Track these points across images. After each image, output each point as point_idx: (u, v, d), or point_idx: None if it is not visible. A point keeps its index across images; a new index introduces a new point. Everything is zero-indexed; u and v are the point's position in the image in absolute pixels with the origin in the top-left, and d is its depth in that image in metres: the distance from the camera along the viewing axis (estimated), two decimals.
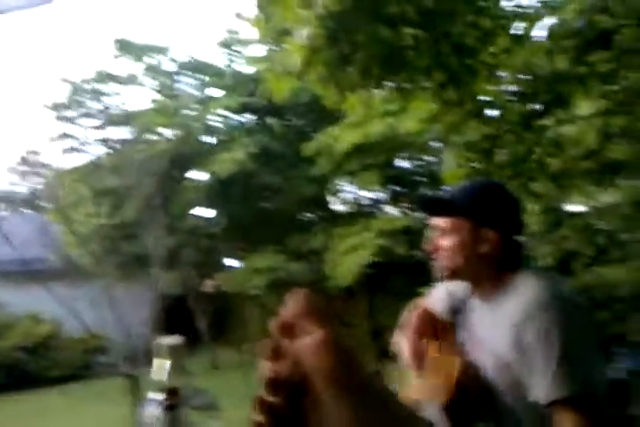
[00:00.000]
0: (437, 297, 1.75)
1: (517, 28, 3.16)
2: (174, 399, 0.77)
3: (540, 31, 3.17)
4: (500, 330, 1.44)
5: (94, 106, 14.18)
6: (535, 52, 3.14)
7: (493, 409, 1.50)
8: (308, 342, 0.40)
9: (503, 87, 3.58)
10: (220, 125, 14.21)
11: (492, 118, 3.57)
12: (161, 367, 0.88)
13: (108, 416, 8.95)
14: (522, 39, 3.14)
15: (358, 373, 0.40)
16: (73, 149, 14.25)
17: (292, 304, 0.42)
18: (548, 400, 1.33)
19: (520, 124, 3.50)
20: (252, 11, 4.25)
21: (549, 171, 3.81)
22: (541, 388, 1.34)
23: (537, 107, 3.50)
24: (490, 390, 1.48)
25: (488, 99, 3.61)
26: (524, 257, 1.61)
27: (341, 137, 10.91)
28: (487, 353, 1.48)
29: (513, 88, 3.60)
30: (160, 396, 0.78)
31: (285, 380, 0.40)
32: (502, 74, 3.53)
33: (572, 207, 6.42)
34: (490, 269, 1.53)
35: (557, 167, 3.81)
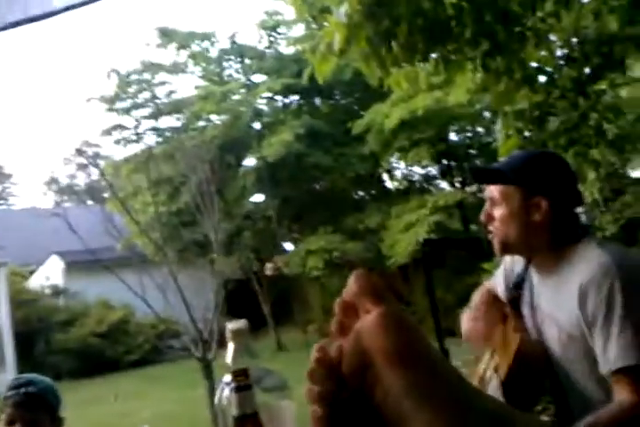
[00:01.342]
0: (498, 276, 1.74)
1: None
2: (244, 381, 0.81)
3: None
4: (564, 302, 1.42)
5: (143, 96, 14.49)
6: (583, 14, 3.03)
7: (555, 386, 1.49)
8: (367, 320, 0.41)
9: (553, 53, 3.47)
10: (266, 109, 14.29)
11: (542, 85, 3.48)
12: (231, 351, 0.93)
13: (182, 398, 9.30)
14: (570, 1, 3.03)
15: (418, 348, 0.40)
16: (125, 140, 14.66)
17: (351, 284, 0.43)
18: (608, 369, 1.31)
19: (573, 89, 3.40)
20: None
21: (607, 136, 3.69)
22: (602, 356, 1.33)
23: (588, 71, 3.38)
24: (552, 367, 1.47)
25: (538, 65, 3.51)
26: (584, 229, 1.56)
27: (389, 114, 10.80)
28: (554, 327, 1.46)
29: (563, 53, 3.49)
30: (230, 378, 0.82)
31: (328, 368, 0.42)
32: (553, 38, 3.43)
33: (634, 173, 6.19)
34: (545, 240, 1.48)
35: (615, 132, 3.68)
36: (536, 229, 1.48)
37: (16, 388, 1.69)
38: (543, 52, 3.48)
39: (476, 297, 1.79)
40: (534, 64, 3.58)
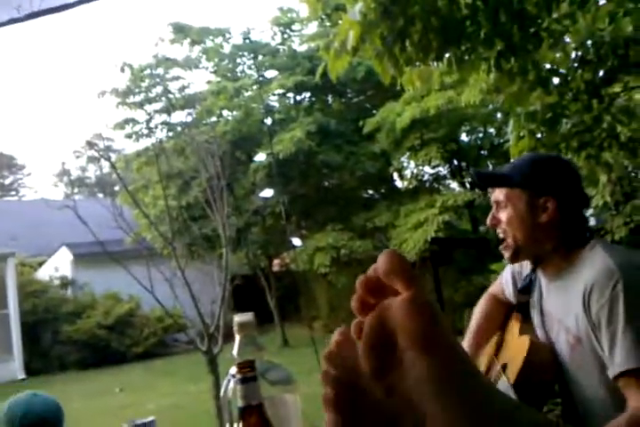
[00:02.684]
0: (505, 280, 1.75)
1: None
2: (250, 372, 0.81)
3: None
4: (570, 306, 1.42)
5: (155, 90, 14.51)
6: (598, 17, 3.02)
7: (564, 389, 1.50)
8: (397, 301, 0.40)
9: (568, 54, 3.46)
10: (278, 105, 14.30)
11: (556, 87, 3.47)
12: (237, 343, 0.94)
13: (187, 392, 9.36)
14: (585, 3, 3.02)
15: (446, 337, 0.40)
16: (137, 134, 14.69)
17: (382, 262, 0.41)
18: (615, 373, 1.31)
19: (586, 91, 3.39)
20: None
21: (620, 139, 3.67)
22: (609, 360, 1.32)
23: (603, 74, 3.36)
24: (561, 370, 1.47)
25: (552, 67, 3.50)
26: (591, 232, 1.55)
27: (401, 112, 10.79)
28: (562, 331, 1.46)
29: (578, 55, 3.48)
30: (236, 370, 0.83)
31: (347, 353, 0.41)
32: (568, 40, 3.42)
33: None
34: (553, 242, 1.48)
35: (628, 135, 3.67)
36: (544, 230, 1.47)
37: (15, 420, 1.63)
38: (558, 54, 3.47)
39: (475, 316, 1.80)
40: (548, 65, 3.58)
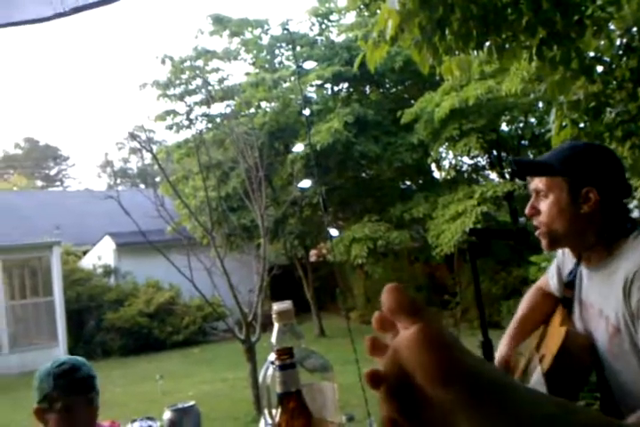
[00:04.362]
0: (551, 274, 1.74)
1: None
2: (289, 359, 0.83)
3: None
4: (611, 295, 1.40)
5: (195, 82, 14.66)
6: None
7: (602, 381, 1.48)
8: (403, 338, 0.39)
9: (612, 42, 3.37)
10: (315, 96, 14.28)
11: (600, 75, 3.38)
12: (276, 330, 0.96)
13: (225, 379, 9.52)
14: None
15: (462, 360, 0.39)
16: (177, 125, 14.89)
17: (384, 299, 0.41)
18: None
19: (631, 80, 3.30)
20: None
21: None
22: None
23: None
24: (598, 359, 1.46)
25: (596, 55, 3.42)
26: (634, 222, 1.52)
27: (440, 103, 10.66)
28: (602, 321, 1.45)
29: (623, 42, 3.38)
30: (275, 357, 0.85)
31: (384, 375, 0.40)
32: (612, 27, 3.33)
33: None
34: (594, 232, 1.45)
35: None
36: (585, 221, 1.45)
37: (65, 375, 1.69)
38: (602, 42, 3.38)
39: (521, 306, 1.79)
40: (592, 53, 3.49)
